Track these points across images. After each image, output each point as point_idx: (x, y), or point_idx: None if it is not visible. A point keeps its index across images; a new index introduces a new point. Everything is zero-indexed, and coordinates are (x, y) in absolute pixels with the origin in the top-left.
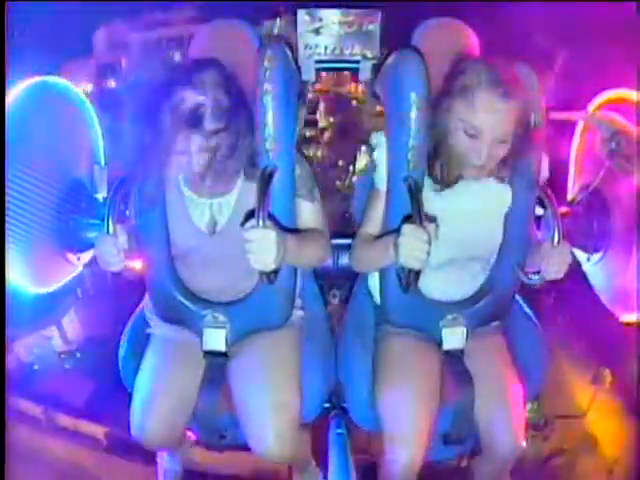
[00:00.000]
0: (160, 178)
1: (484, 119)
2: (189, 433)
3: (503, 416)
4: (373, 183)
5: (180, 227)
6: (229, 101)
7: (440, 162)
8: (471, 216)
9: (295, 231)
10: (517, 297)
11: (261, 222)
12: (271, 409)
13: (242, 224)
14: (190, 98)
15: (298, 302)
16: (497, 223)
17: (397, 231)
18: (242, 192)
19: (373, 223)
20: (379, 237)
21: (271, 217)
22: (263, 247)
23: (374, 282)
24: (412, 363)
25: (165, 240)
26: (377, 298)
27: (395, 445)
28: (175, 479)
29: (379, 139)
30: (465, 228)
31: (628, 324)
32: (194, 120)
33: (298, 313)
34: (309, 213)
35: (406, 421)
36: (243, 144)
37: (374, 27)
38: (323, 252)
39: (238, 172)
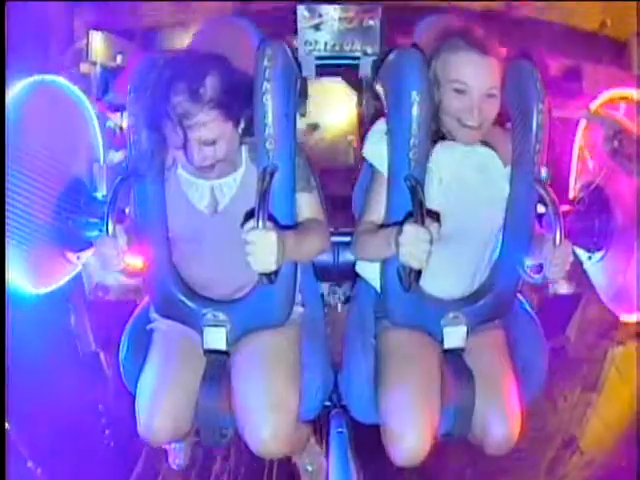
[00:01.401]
0: (159, 169)
1: (468, 72)
2: None
3: (499, 413)
4: (374, 169)
5: (178, 210)
6: (228, 92)
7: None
8: (469, 186)
9: (293, 224)
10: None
11: (261, 223)
12: (268, 408)
13: (241, 225)
14: (188, 92)
15: (298, 298)
16: (497, 202)
17: (400, 224)
18: (246, 172)
19: (375, 211)
20: (381, 227)
21: (270, 217)
22: (263, 249)
23: (373, 274)
24: (413, 358)
25: (164, 235)
26: (377, 287)
27: (396, 440)
28: (185, 456)
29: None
30: (463, 195)
31: (628, 324)
32: (192, 114)
33: (298, 310)
34: (307, 204)
35: (408, 417)
36: (245, 135)
37: (374, 23)
38: (322, 244)
39: (240, 156)
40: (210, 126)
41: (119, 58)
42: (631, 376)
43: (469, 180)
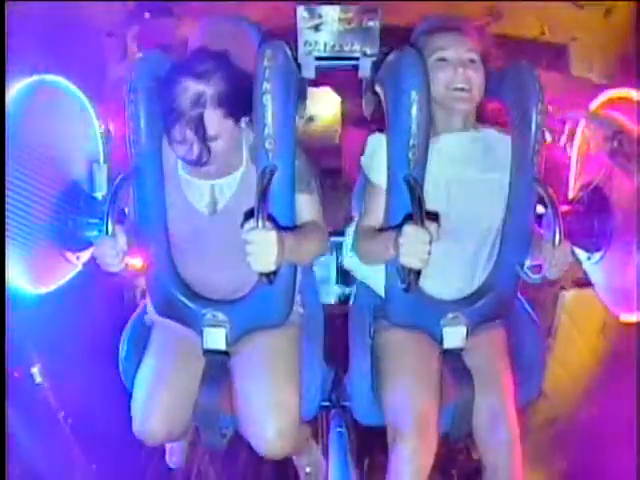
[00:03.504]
0: (160, 166)
1: (446, 40)
2: None
3: (499, 415)
4: (370, 179)
5: (177, 211)
6: (231, 90)
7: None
8: (469, 180)
9: (293, 225)
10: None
11: (261, 223)
12: (271, 409)
13: (241, 225)
14: (191, 87)
15: (298, 299)
16: (496, 195)
17: (399, 226)
18: (245, 172)
19: (373, 216)
20: (380, 230)
21: (270, 217)
22: (263, 248)
23: (371, 277)
24: (413, 357)
25: (164, 235)
26: (377, 290)
27: (401, 440)
28: (182, 452)
29: (378, 139)
30: (463, 190)
31: (628, 324)
32: (194, 109)
33: (298, 311)
34: (306, 205)
35: (411, 415)
36: (246, 131)
37: (374, 24)
38: (321, 246)
39: (241, 156)
40: (211, 123)
41: None
42: (583, 322)
43: (470, 171)
